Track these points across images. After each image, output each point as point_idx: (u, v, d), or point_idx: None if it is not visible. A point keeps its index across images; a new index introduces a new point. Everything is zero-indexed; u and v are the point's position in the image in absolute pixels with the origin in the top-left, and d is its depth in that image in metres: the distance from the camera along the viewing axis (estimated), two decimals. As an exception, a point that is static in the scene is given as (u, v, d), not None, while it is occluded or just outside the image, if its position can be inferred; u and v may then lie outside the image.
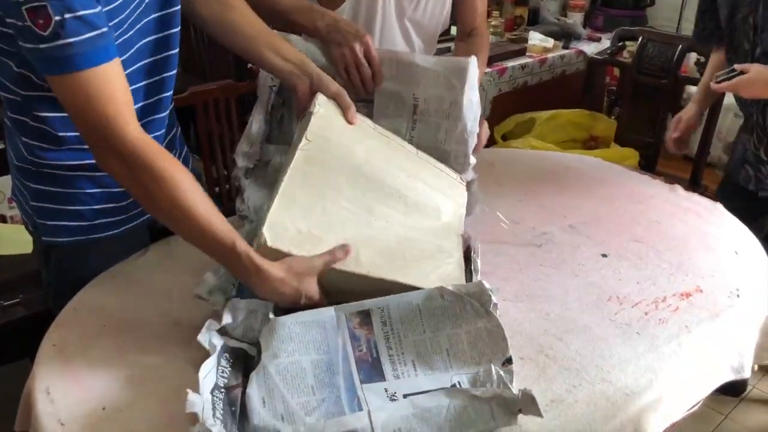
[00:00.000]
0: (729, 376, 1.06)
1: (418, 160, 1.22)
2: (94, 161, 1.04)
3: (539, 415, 0.83)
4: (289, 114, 1.31)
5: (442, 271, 1.06)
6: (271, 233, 0.98)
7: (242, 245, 0.96)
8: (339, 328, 0.95)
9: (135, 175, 0.95)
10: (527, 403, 0.83)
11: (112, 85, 0.93)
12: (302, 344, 0.93)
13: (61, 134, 1.07)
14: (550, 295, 1.13)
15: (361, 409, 0.86)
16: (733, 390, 1.99)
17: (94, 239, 1.17)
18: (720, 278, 1.19)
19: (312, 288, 0.98)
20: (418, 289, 0.99)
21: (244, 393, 0.87)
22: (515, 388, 0.87)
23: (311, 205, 1.05)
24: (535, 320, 1.07)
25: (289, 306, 0.99)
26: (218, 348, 0.92)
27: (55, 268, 1.22)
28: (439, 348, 0.93)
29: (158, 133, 1.18)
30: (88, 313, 1.07)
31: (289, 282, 0.96)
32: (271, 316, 0.96)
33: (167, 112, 1.20)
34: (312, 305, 0.99)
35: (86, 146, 1.00)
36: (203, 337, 0.93)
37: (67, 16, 0.86)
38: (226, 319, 0.96)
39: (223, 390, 0.87)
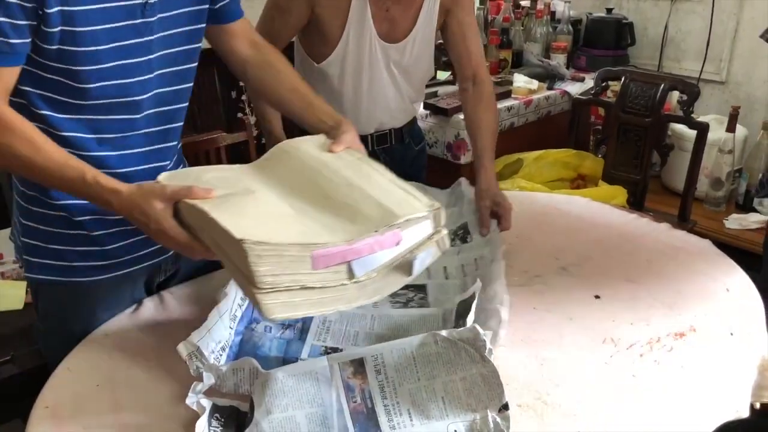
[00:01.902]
0: (727, 416, 1.06)
1: (382, 182, 1.04)
2: (76, 202, 1.11)
3: None
4: None
5: (262, 233, 0.85)
6: (167, 175, 1.03)
7: (91, 173, 1.00)
8: (332, 379, 0.94)
9: None
10: None
11: None
12: (295, 398, 0.92)
13: None
14: (545, 339, 1.14)
15: None
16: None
17: (78, 283, 1.18)
18: (713, 317, 1.20)
19: (156, 210, 0.97)
20: (227, 233, 0.86)
21: None
22: None
23: (222, 178, 1.04)
24: (531, 366, 1.06)
25: (152, 238, 1.01)
26: (207, 409, 0.92)
27: (43, 310, 1.24)
28: (434, 396, 0.93)
29: (164, 163, 1.21)
30: (82, 373, 1.06)
31: (134, 199, 0.98)
32: (261, 370, 0.96)
33: (174, 142, 1.24)
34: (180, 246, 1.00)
35: None
36: (191, 400, 0.93)
37: None
38: (207, 380, 0.96)
39: None
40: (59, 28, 0.98)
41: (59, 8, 0.97)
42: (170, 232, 0.98)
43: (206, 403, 0.93)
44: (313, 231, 0.89)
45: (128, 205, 0.99)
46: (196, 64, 1.20)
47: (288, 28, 1.52)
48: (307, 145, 1.14)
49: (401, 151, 1.72)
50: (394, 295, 1.16)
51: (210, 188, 0.96)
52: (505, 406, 0.90)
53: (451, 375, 0.94)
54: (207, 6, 1.18)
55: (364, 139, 1.57)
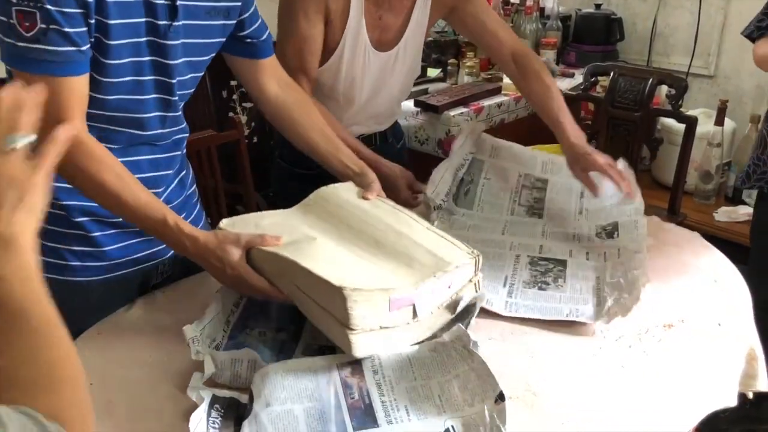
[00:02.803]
0: (715, 406, 1.07)
1: (421, 229, 1.13)
2: (76, 203, 1.12)
3: None
4: (474, 189, 1.52)
5: (350, 280, 0.95)
6: (228, 222, 1.11)
7: (172, 217, 1.05)
8: (330, 377, 0.96)
9: (73, 164, 1.01)
10: None
11: (73, 97, 1.00)
12: (294, 392, 0.93)
13: None
14: (535, 331, 1.15)
15: None
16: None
17: (74, 282, 1.18)
18: (701, 308, 1.21)
19: (233, 258, 1.04)
20: (323, 280, 0.95)
21: None
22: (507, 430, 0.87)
23: (279, 224, 1.12)
24: (521, 358, 1.07)
25: (226, 284, 1.08)
26: (207, 400, 0.92)
27: None
28: (431, 394, 0.95)
29: (168, 172, 1.22)
30: (75, 372, 1.06)
31: (210, 247, 1.05)
32: (261, 362, 0.97)
33: (180, 152, 1.26)
34: (253, 290, 1.06)
35: (68, 185, 1.08)
36: (191, 391, 0.93)
37: (51, 26, 0.94)
38: (209, 368, 0.97)
39: None
40: (95, 36, 0.99)
41: (96, 18, 0.98)
42: (250, 279, 1.04)
43: (206, 395, 0.94)
44: (384, 276, 1.00)
45: (204, 252, 1.05)
46: (193, 90, 1.23)
47: (316, 53, 1.48)
48: (345, 193, 1.23)
49: (383, 150, 1.69)
50: (534, 263, 1.32)
51: (279, 236, 1.06)
52: (501, 397, 0.91)
53: (446, 375, 0.96)
54: (224, 39, 1.21)
55: None
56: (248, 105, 2.75)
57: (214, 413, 0.92)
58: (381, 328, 0.96)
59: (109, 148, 1.11)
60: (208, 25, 1.15)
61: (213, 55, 1.22)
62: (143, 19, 1.04)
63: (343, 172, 1.32)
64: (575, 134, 1.44)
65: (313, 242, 1.06)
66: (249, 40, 1.25)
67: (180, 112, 1.20)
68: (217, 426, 0.90)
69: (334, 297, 0.93)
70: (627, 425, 0.95)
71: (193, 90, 1.22)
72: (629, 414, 0.97)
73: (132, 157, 1.15)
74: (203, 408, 0.91)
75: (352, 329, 0.93)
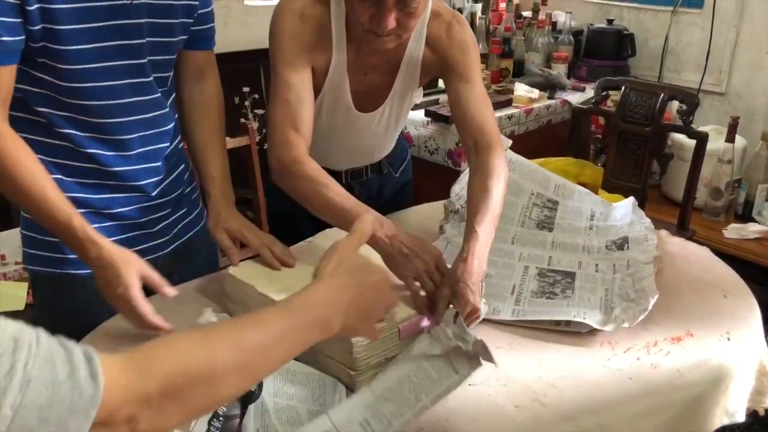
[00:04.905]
0: (723, 421, 1.06)
1: None
2: (73, 195, 1.13)
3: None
4: None
5: None
6: (235, 270, 1.16)
7: (79, 220, 1.03)
8: (336, 387, 0.99)
9: None
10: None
11: None
12: (303, 392, 0.96)
13: (38, 156, 1.11)
14: (543, 340, 1.14)
15: None
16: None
17: (73, 276, 1.19)
18: (710, 322, 1.20)
19: (132, 281, 1.05)
20: None
21: (241, 423, 0.89)
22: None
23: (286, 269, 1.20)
24: (528, 367, 1.07)
25: (108, 298, 1.08)
26: None
27: (39, 303, 1.26)
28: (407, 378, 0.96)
29: (157, 164, 1.22)
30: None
31: (115, 260, 1.05)
32: None
33: (166, 144, 1.25)
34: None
35: (65, 177, 1.10)
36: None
37: None
38: None
39: (221, 418, 0.88)
40: (41, 26, 1.00)
41: (39, 5, 0.98)
42: (138, 307, 1.06)
43: None
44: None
45: (108, 262, 1.05)
46: (172, 72, 1.23)
47: (306, 102, 1.29)
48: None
49: (379, 182, 1.66)
50: (542, 275, 1.33)
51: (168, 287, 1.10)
52: (457, 315, 0.94)
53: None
54: (192, 20, 1.21)
55: (337, 174, 1.52)
56: (260, 112, 2.76)
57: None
58: (386, 359, 0.99)
59: (101, 140, 1.13)
60: (172, 5, 1.15)
61: (184, 37, 1.21)
62: (100, 3, 1.04)
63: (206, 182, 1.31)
64: (471, 257, 1.12)
65: None
66: (193, 28, 1.23)
67: (159, 94, 1.19)
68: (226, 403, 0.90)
69: (341, 345, 0.97)
70: (634, 438, 0.94)
71: (171, 74, 1.22)
72: (636, 427, 0.96)
73: (126, 151, 1.17)
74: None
75: (357, 371, 0.98)
